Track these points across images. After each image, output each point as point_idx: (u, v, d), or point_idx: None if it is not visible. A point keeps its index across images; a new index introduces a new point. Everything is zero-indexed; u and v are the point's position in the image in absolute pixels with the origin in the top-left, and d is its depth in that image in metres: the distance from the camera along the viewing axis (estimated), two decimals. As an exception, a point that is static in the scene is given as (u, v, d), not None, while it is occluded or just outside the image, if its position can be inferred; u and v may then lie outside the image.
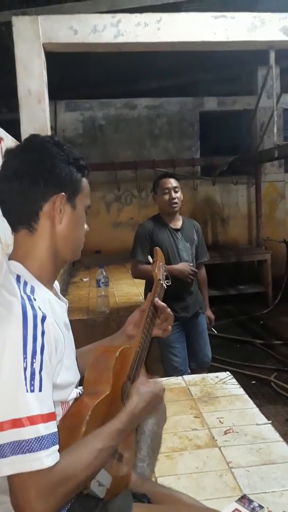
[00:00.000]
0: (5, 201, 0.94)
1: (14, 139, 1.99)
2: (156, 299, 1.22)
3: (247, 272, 6.73)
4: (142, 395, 1.00)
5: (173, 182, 2.67)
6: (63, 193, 0.93)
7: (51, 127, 3.47)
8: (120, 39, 3.14)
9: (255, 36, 3.28)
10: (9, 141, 1.89)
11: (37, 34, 3.03)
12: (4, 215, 0.95)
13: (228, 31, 3.24)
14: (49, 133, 3.14)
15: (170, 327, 1.23)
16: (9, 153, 0.95)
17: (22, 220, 0.93)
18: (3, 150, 1.75)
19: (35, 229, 0.93)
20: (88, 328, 3.06)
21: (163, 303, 1.22)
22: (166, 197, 2.66)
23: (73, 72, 5.28)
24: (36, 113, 3.07)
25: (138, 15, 3.13)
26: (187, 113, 6.91)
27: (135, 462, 1.22)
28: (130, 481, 1.12)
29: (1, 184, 0.93)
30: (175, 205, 2.67)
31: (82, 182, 0.99)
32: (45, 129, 3.07)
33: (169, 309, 1.22)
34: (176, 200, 2.66)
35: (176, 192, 2.67)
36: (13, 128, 2.45)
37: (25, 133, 3.01)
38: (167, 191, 2.66)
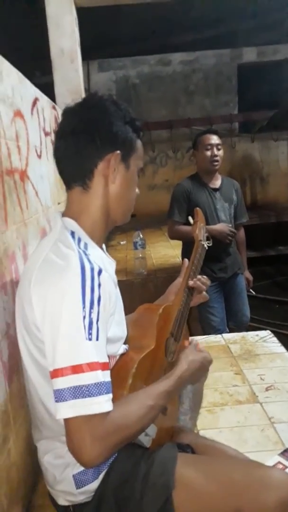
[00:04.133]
0: (61, 158, 0.96)
1: (50, 100, 1.97)
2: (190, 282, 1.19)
3: (287, 233, 6.54)
4: (191, 363, 1.03)
5: (216, 139, 2.58)
6: (118, 152, 0.93)
7: (85, 88, 3.40)
8: (153, -14, 2.98)
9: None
10: (45, 102, 1.87)
11: (68, -12, 2.92)
12: (60, 172, 0.97)
13: None
14: (82, 94, 3.08)
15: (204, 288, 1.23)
16: (67, 111, 0.96)
17: (77, 178, 0.94)
18: (39, 110, 1.74)
19: (89, 187, 0.94)
20: (126, 289, 3.09)
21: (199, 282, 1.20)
22: (208, 153, 2.57)
23: (104, 29, 5.09)
24: (69, 73, 3.01)
25: None
26: (224, 66, 6.58)
27: (178, 415, 1.26)
28: (173, 433, 1.16)
29: (58, 141, 0.95)
30: (216, 163, 2.59)
31: (137, 143, 0.98)
32: (79, 90, 3.02)
33: (202, 281, 1.21)
34: (217, 158, 2.58)
35: (218, 149, 2.58)
36: (47, 92, 2.42)
37: (59, 94, 2.97)
38: (209, 147, 2.57)
